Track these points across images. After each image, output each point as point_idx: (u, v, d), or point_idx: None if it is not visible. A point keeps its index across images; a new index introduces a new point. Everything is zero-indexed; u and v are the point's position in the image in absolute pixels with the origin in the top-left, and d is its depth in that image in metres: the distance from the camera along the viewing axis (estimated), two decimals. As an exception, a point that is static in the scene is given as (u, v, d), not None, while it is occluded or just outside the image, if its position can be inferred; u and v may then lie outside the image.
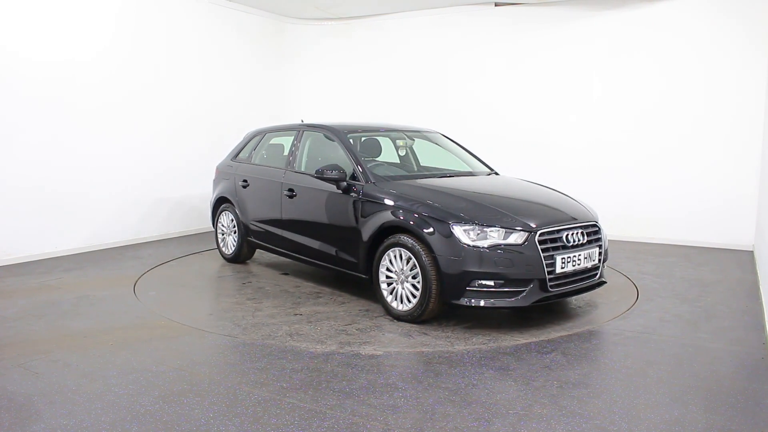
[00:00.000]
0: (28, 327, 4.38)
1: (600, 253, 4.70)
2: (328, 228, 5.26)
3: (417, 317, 4.46)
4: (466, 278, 4.21)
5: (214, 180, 6.98)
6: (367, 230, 4.78)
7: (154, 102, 7.77)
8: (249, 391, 3.30)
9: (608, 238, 7.94)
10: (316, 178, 5.22)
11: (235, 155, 6.76)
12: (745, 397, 3.27)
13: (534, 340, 4.19)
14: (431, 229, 4.34)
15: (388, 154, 6.03)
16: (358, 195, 4.91)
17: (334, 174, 5.04)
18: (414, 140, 6.07)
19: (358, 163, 5.13)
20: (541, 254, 4.24)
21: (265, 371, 3.60)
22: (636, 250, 7.37)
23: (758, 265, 6.13)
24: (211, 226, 7.01)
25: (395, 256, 4.56)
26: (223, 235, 6.71)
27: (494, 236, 4.24)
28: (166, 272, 6.15)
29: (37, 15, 6.44)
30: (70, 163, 6.82)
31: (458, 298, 4.27)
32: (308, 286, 5.65)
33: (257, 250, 6.52)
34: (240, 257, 6.53)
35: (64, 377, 3.48)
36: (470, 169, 5.78)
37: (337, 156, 5.47)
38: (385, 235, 4.67)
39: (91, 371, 3.57)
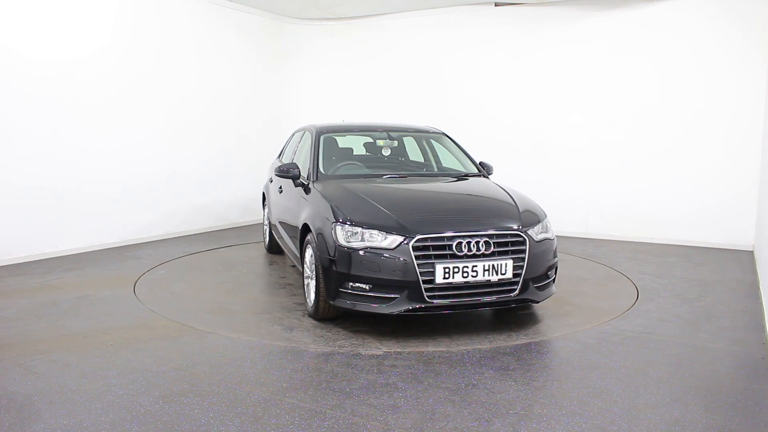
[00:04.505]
0: (28, 327, 4.38)
1: (519, 267, 4.17)
2: (291, 224, 5.43)
3: (314, 315, 4.52)
4: (338, 279, 4.15)
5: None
6: (301, 226, 4.93)
7: (154, 102, 7.77)
8: (249, 391, 3.30)
9: (610, 238, 8.05)
10: (277, 175, 5.44)
11: (279, 153, 7.13)
12: (745, 397, 3.27)
13: (534, 340, 4.19)
14: (320, 228, 4.38)
15: (412, 153, 6.18)
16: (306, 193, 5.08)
17: (290, 172, 5.26)
18: (396, 141, 6.06)
19: (313, 161, 5.30)
20: (415, 261, 3.98)
21: (265, 371, 3.60)
22: (636, 250, 7.37)
23: (758, 265, 6.13)
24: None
25: (309, 254, 4.63)
26: (264, 227, 7.21)
27: (369, 238, 4.10)
28: (167, 268, 6.16)
29: (37, 13, 6.43)
30: (70, 163, 6.81)
31: (334, 299, 4.23)
32: (291, 278, 5.85)
33: None
34: (272, 248, 6.98)
35: (64, 377, 3.48)
36: (460, 171, 5.64)
37: (330, 155, 5.66)
38: (308, 231, 4.72)
39: (91, 371, 3.57)
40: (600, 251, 7.27)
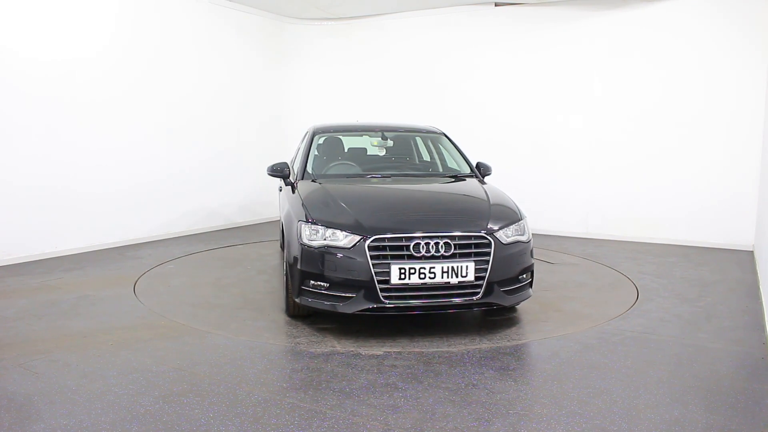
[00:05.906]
0: (28, 327, 4.38)
1: (483, 269, 4.06)
2: (282, 222, 5.50)
3: (287, 312, 4.58)
4: (301, 276, 4.20)
5: None
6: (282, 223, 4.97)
7: (154, 102, 7.77)
8: (249, 391, 3.30)
9: (610, 238, 8.05)
10: (269, 174, 5.47)
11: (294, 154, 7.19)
12: (745, 397, 3.27)
13: (534, 339, 4.19)
14: (290, 226, 4.45)
15: (408, 153, 6.17)
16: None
17: (282, 172, 5.32)
18: (391, 141, 6.06)
19: (302, 160, 5.36)
20: (370, 261, 3.95)
21: (265, 371, 3.60)
22: (636, 250, 7.37)
23: (758, 265, 6.13)
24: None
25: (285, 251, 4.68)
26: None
27: (331, 237, 4.10)
28: (174, 265, 6.16)
29: (38, 13, 6.43)
30: (70, 163, 6.82)
31: (298, 296, 4.27)
32: None
33: None
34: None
35: (64, 377, 3.48)
36: (451, 171, 5.61)
37: (323, 154, 5.72)
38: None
39: (91, 371, 3.57)
40: (600, 251, 7.27)
